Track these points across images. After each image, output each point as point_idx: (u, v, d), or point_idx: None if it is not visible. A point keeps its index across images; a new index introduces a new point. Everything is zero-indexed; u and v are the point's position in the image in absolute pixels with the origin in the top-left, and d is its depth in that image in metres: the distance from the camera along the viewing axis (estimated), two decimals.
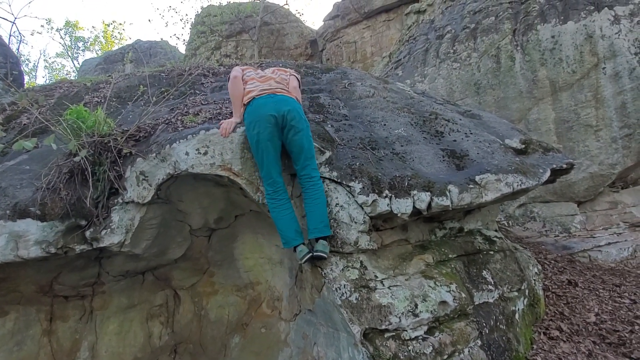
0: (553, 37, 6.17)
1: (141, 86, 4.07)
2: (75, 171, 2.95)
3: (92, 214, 2.89)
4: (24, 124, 3.80)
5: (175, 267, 3.61)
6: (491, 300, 2.94)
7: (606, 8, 6.00)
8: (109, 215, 2.91)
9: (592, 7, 6.13)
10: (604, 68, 5.79)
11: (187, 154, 2.72)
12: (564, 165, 3.44)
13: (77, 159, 2.80)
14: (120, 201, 2.94)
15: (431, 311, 2.54)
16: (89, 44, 28.72)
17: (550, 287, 3.87)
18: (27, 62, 25.94)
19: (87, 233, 2.86)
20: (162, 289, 3.65)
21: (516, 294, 3.14)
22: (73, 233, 2.84)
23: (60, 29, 27.54)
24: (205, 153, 2.73)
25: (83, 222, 2.88)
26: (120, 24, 30.17)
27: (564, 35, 6.10)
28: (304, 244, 2.65)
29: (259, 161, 2.68)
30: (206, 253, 3.62)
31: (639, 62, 5.62)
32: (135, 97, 4.01)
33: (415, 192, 2.68)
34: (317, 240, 2.63)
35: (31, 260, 2.78)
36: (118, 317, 3.48)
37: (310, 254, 2.57)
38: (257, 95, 2.77)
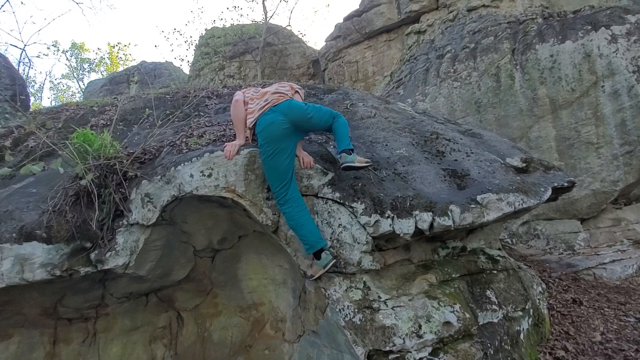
0: (552, 56, 6.27)
1: (147, 109, 4.15)
2: (81, 194, 3.00)
3: (97, 236, 2.92)
4: (31, 147, 3.88)
5: (178, 288, 3.62)
6: (495, 320, 2.92)
7: (603, 27, 6.11)
8: (113, 237, 2.94)
9: (589, 27, 6.24)
10: (602, 86, 5.86)
11: (191, 176, 2.76)
12: (565, 184, 3.46)
13: (83, 182, 2.85)
14: (125, 223, 2.97)
15: (435, 332, 2.53)
16: (94, 65, 29.26)
17: (555, 306, 3.84)
18: (33, 83, 26.42)
19: (92, 255, 2.88)
20: (165, 310, 3.65)
21: (520, 313, 3.11)
22: (78, 255, 2.87)
23: (67, 51, 28.10)
24: (210, 175, 2.77)
25: (88, 245, 2.91)
26: (126, 45, 30.72)
27: (563, 54, 6.20)
28: (327, 250, 2.68)
29: (276, 175, 2.68)
30: (210, 274, 3.62)
31: (637, 80, 5.69)
32: (141, 120, 4.08)
33: (417, 212, 2.70)
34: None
35: (36, 283, 2.80)
36: (121, 339, 3.47)
37: (335, 260, 2.63)
38: (259, 115, 2.81)
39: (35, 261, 2.72)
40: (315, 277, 2.71)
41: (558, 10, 8.57)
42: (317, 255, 2.65)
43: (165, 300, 3.64)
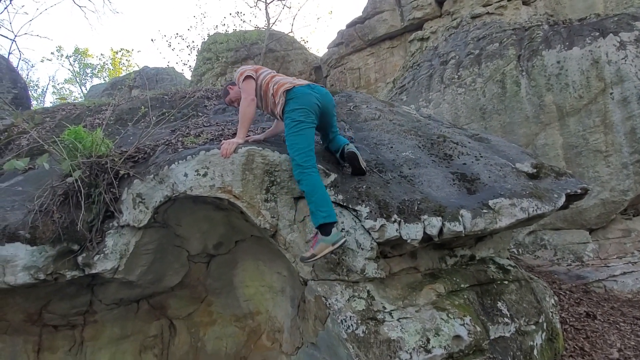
0: (558, 62, 6.15)
1: (143, 107, 4.01)
2: (70, 193, 2.84)
3: (86, 238, 2.75)
4: (22, 146, 3.73)
5: (171, 295, 3.44)
6: (507, 335, 2.74)
7: (611, 34, 5.99)
8: (103, 239, 2.78)
9: (597, 33, 6.13)
10: (611, 93, 5.72)
11: (185, 175, 2.60)
12: (579, 190, 3.30)
13: (70, 180, 2.69)
14: (116, 225, 2.81)
15: (444, 347, 2.35)
16: (97, 70, 29.28)
17: (567, 320, 3.65)
18: (35, 87, 26.39)
19: (79, 258, 2.71)
20: (157, 318, 3.46)
21: (534, 327, 2.93)
22: (64, 258, 2.70)
23: (70, 56, 28.14)
24: (205, 174, 2.61)
25: (75, 247, 2.74)
26: (128, 51, 30.70)
27: (570, 60, 6.08)
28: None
29: (304, 140, 2.55)
30: (204, 280, 3.45)
31: None
32: (136, 119, 3.94)
33: (425, 216, 2.54)
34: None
35: (19, 287, 2.63)
36: (110, 348, 3.28)
37: (345, 239, 2.43)
38: (298, 85, 2.73)
39: (17, 263, 2.55)
40: (318, 256, 2.32)
41: (563, 18, 8.50)
42: (326, 229, 2.38)
43: (157, 308, 3.46)
